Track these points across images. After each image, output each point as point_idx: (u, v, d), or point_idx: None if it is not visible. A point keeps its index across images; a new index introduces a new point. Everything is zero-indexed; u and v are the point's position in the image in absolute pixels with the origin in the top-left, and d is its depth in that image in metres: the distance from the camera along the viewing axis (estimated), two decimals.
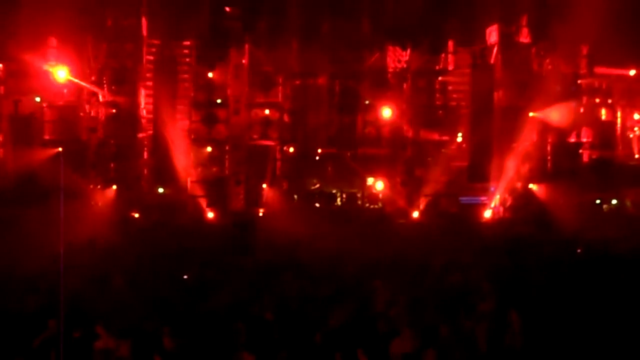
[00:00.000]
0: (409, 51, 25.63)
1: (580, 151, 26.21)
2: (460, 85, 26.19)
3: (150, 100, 25.01)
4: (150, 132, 25.03)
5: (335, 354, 11.19)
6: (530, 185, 25.72)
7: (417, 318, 12.53)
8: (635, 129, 26.94)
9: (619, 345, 11.13)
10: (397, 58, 25.84)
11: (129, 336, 11.63)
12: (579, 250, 19.65)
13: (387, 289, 14.19)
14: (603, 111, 26.59)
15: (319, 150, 26.31)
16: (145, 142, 25.37)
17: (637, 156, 25.46)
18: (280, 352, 11.11)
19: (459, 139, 26.48)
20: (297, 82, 25.80)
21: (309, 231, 20.75)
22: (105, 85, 24.55)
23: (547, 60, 25.59)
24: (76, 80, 23.37)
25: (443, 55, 26.02)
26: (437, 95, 26.27)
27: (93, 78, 24.50)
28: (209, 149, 25.59)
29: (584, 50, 25.58)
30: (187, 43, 25.22)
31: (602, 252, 19.04)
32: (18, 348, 11.21)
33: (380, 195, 25.86)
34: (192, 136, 25.31)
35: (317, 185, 26.65)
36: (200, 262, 17.44)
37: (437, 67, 26.14)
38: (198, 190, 25.33)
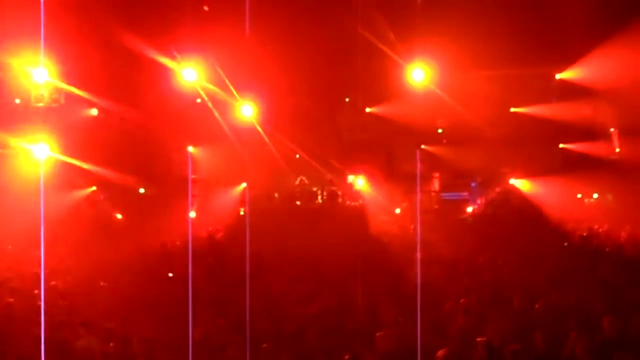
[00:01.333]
0: None
1: (562, 146, 26.38)
2: None
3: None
4: (133, 134, 24.93)
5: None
6: (512, 181, 25.90)
7: (400, 313, 12.57)
8: None
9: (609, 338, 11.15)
10: None
11: (113, 337, 11.65)
12: (565, 244, 19.81)
13: (369, 286, 14.26)
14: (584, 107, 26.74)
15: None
16: (130, 144, 25.23)
17: (617, 150, 25.59)
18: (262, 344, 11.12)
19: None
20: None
21: (290, 229, 20.84)
22: (87, 87, 24.36)
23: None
24: (57, 82, 23.11)
25: None
26: None
27: (75, 80, 24.29)
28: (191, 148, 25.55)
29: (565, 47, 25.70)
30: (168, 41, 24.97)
31: (587, 245, 19.21)
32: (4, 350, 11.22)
33: (361, 192, 25.93)
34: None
35: (302, 180, 26.68)
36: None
37: None
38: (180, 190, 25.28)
